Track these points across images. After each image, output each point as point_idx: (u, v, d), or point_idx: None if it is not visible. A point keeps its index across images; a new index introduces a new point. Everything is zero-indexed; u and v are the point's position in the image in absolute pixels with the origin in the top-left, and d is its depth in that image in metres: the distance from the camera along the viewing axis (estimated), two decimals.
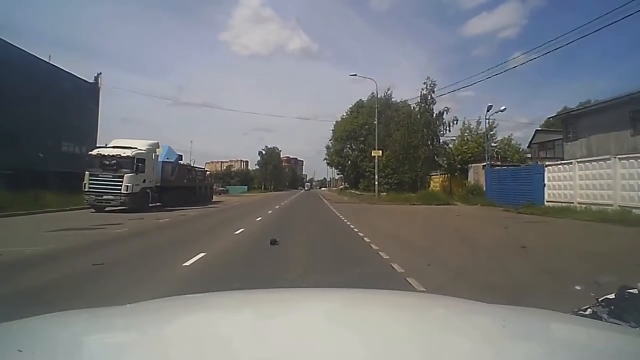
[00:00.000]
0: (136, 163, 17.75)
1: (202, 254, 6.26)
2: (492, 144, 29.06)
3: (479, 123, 30.79)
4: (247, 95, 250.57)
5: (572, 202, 15.73)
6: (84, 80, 29.36)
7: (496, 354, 0.86)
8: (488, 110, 24.82)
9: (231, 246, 7.60)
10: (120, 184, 17.18)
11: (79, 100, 27.38)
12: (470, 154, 29.19)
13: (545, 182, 17.76)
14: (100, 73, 30.69)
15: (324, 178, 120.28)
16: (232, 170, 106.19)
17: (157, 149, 20.02)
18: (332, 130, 47.13)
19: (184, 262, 5.70)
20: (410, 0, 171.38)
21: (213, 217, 15.15)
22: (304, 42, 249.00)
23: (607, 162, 14.09)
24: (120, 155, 17.70)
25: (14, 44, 22.55)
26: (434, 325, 1.11)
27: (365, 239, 8.44)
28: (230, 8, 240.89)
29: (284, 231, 9.85)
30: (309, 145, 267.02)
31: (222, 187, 67.86)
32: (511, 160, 26.86)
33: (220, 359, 0.79)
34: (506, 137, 32.08)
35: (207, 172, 31.53)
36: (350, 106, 45.80)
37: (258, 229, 10.48)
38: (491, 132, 29.30)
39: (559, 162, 17.53)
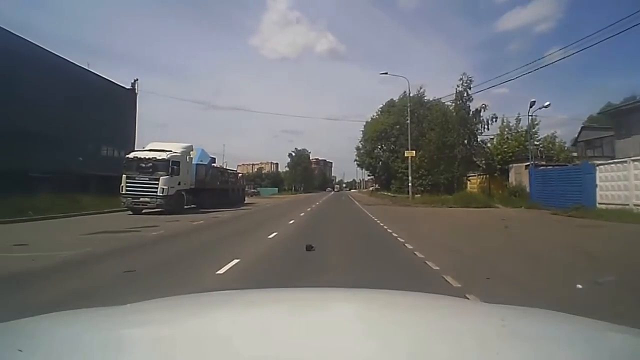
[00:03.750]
0: (171, 166, 17.98)
1: (236, 261, 5.96)
2: (535, 143, 27.31)
3: (518, 120, 29.10)
4: (276, 98, 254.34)
5: (628, 204, 14.31)
6: (122, 87, 30.51)
7: (497, 354, 0.85)
8: (531, 106, 23.27)
9: (266, 252, 7.27)
10: (157, 186, 17.43)
11: (118, 105, 28.52)
12: (510, 154, 27.57)
13: (597, 182, 16.34)
14: (137, 79, 31.75)
15: (353, 180, 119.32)
16: (263, 172, 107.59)
17: (191, 152, 20.26)
18: (362, 131, 46.43)
19: (218, 270, 5.41)
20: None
21: (246, 220, 15.03)
22: (331, 44, 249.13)
23: None
24: (156, 158, 17.99)
25: (55, 52, 23.65)
26: (434, 325, 1.10)
27: (406, 245, 7.86)
28: (259, 12, 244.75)
29: (318, 236, 9.43)
30: (338, 147, 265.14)
31: (253, 189, 68.87)
32: (556, 160, 25.06)
33: (222, 358, 0.78)
34: (549, 134, 30.04)
35: (239, 174, 31.78)
36: (381, 106, 44.96)
37: (292, 233, 10.13)
38: (533, 130, 27.58)
39: (611, 161, 16.04)
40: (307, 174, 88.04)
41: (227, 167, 31.50)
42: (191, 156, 20.17)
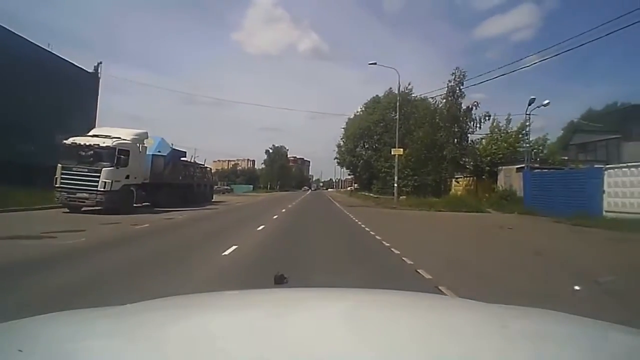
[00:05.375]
0: (117, 155, 14.92)
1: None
2: (525, 145, 25.84)
3: (508, 121, 27.57)
4: (257, 95, 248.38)
5: None
6: (83, 70, 27.12)
7: (497, 354, 0.85)
8: (530, 104, 21.62)
9: (210, 284, 4.67)
10: (97, 179, 14.37)
11: (77, 90, 25.22)
12: (500, 155, 25.97)
13: (605, 188, 14.67)
14: (101, 62, 28.41)
15: (331, 179, 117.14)
16: (238, 168, 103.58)
17: (145, 140, 17.22)
18: (344, 128, 44.05)
19: None
20: (423, 1, 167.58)
21: (205, 224, 12.21)
22: (315, 42, 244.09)
23: None
24: (99, 145, 14.89)
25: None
26: (434, 325, 1.08)
27: (405, 259, 5.94)
28: (243, 8, 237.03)
29: (294, 253, 6.94)
30: (317, 146, 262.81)
31: (226, 185, 65.49)
32: (551, 163, 23.57)
33: (220, 359, 0.79)
34: (541, 137, 28.67)
35: (208, 169, 28.68)
36: (366, 102, 42.61)
37: (258, 247, 7.55)
38: (523, 131, 26.10)
39: (623, 165, 14.38)
40: (284, 172, 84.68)
41: (196, 161, 28.55)
42: (145, 145, 17.12)
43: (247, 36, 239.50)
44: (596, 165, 18.34)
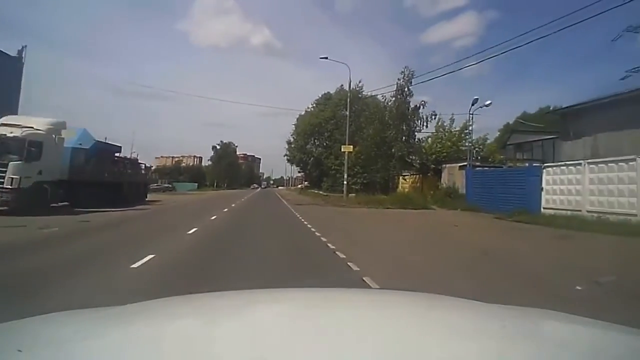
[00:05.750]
0: (28, 147, 12.89)
1: None
2: (467, 144, 26.85)
3: (452, 121, 28.54)
4: (204, 89, 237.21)
5: (580, 210, 13.20)
6: (5, 53, 23.68)
7: (497, 354, 0.85)
8: (473, 104, 22.28)
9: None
10: (3, 175, 12.32)
11: None
12: (444, 154, 26.70)
13: (543, 185, 15.26)
14: (25, 46, 25.12)
15: (282, 177, 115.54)
16: (182, 165, 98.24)
17: (62, 131, 14.98)
18: (295, 124, 43.04)
19: None
20: (374, 4, 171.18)
21: (126, 227, 10.57)
22: (266, 38, 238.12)
23: (630, 163, 11.57)
24: (5, 135, 12.73)
25: None
26: (434, 325, 1.08)
27: (350, 264, 4.99)
28: None
29: (222, 263, 5.90)
30: (268, 143, 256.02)
31: (168, 184, 61.68)
32: (492, 161, 24.60)
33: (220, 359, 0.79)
34: (481, 136, 30.06)
35: (143, 165, 26.21)
36: (317, 98, 41.89)
37: (180, 256, 6.38)
38: (466, 131, 27.10)
39: (561, 163, 15.02)
40: (232, 169, 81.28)
41: (129, 157, 26.03)
42: (63, 137, 14.90)
43: (194, 27, 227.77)
44: (535, 164, 19.24)
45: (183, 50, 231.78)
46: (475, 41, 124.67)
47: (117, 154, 21.76)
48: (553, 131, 20.76)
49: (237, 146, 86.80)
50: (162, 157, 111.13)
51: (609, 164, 12.39)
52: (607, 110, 14.76)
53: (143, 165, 26.00)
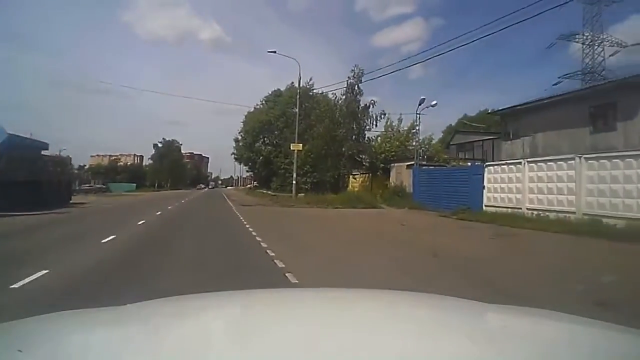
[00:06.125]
0: None
1: None
2: (414, 143, 27.39)
3: (400, 121, 28.96)
4: (149, 84, 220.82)
5: (520, 208, 13.64)
6: None
7: (497, 354, 0.84)
8: (420, 104, 22.58)
9: None
10: None
11: None
12: (393, 153, 26.98)
13: (485, 184, 15.65)
14: None
15: (231, 176, 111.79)
16: (119, 164, 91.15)
17: None
18: (243, 122, 41.23)
19: None
20: (326, 5, 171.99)
21: (25, 237, 8.79)
22: (216, 33, 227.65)
23: (569, 162, 12.05)
24: None
25: None
26: (434, 325, 1.08)
27: (288, 276, 4.37)
28: None
29: (136, 279, 4.82)
30: (218, 142, 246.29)
31: (102, 184, 56.89)
32: (437, 161, 25.22)
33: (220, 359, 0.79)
34: (427, 136, 30.85)
35: (68, 164, 23.41)
36: (267, 95, 40.38)
37: (85, 272, 5.18)
38: (413, 130, 27.62)
39: (502, 162, 15.50)
40: (176, 168, 76.35)
41: (60, 155, 23.17)
42: None
43: (139, 18, 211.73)
44: (477, 163, 19.87)
45: (126, 42, 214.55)
46: (421, 45, 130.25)
47: (44, 152, 19.63)
48: (494, 132, 21.76)
49: (181, 144, 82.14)
50: (98, 155, 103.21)
51: (548, 163, 12.84)
52: (545, 111, 15.50)
53: (68, 164, 23.17)
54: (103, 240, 7.65)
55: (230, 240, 8.55)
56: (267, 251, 6.67)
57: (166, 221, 12.81)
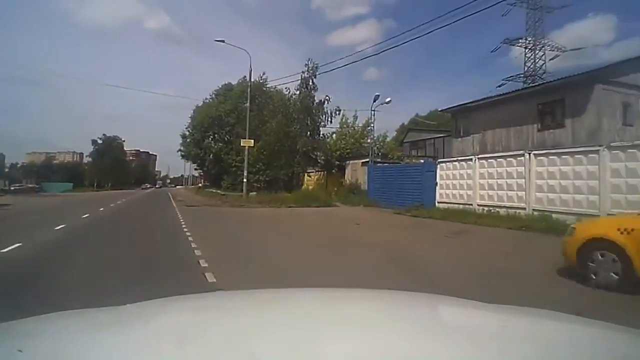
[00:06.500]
0: None
1: None
2: (369, 141, 27.25)
3: (355, 118, 28.69)
4: (89, 76, 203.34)
5: (471, 204, 13.68)
6: None
7: (497, 354, 0.84)
8: (374, 100, 22.31)
9: None
10: None
11: None
12: (348, 150, 26.62)
13: (437, 181, 15.62)
14: None
15: (182, 175, 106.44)
16: (54, 162, 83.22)
17: None
18: (191, 116, 38.73)
19: None
20: (281, 1, 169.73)
21: None
22: (164, 23, 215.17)
23: (519, 158, 12.16)
24: None
25: None
26: (434, 325, 1.10)
27: None
28: None
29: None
30: (167, 139, 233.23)
31: (35, 184, 51.65)
32: (392, 158, 25.19)
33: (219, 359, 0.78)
34: (381, 134, 30.88)
35: None
36: (217, 88, 38.11)
37: None
38: (368, 128, 27.45)
39: (454, 159, 15.52)
40: (119, 166, 70.58)
41: None
42: None
43: (78, 5, 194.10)
44: (429, 160, 19.95)
45: (64, 31, 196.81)
46: (375, 43, 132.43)
47: None
48: (445, 130, 22.09)
49: (124, 140, 76.29)
50: (34, 152, 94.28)
51: (498, 159, 12.90)
52: (494, 109, 15.72)
53: None
54: (3, 250, 6.16)
55: (158, 250, 7.26)
56: (200, 261, 5.66)
57: (95, 224, 11.17)
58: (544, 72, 36.56)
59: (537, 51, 38.56)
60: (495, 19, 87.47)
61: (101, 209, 17.12)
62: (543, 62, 38.45)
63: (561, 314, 1.22)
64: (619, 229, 4.41)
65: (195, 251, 6.51)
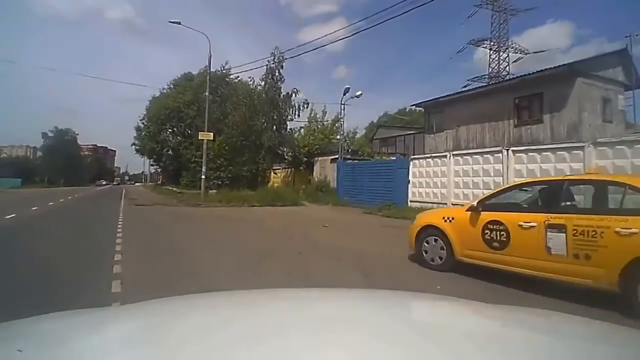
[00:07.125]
0: None
1: None
2: (338, 137, 26.19)
3: (324, 113, 27.54)
4: (45, 65, 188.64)
5: (445, 203, 12.92)
6: None
7: (497, 354, 0.84)
8: (345, 94, 21.20)
9: None
10: None
11: None
12: (317, 146, 25.42)
13: (410, 178, 14.79)
14: None
15: (143, 171, 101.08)
16: (2, 156, 76.36)
17: None
18: (147, 108, 35.85)
19: None
20: None
21: None
22: (127, 14, 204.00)
23: (496, 155, 11.45)
24: None
25: None
26: (434, 325, 1.08)
27: None
28: None
29: None
30: (124, 133, 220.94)
31: None
32: (362, 155, 24.24)
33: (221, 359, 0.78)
34: (351, 130, 29.96)
35: None
36: (175, 78, 35.51)
37: None
38: (337, 123, 26.39)
39: (428, 155, 14.70)
40: (73, 162, 65.30)
41: None
42: None
43: None
44: (401, 156, 19.13)
45: (22, 19, 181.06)
46: (346, 43, 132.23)
47: None
48: (416, 127, 21.43)
49: (77, 134, 70.98)
50: None
51: (474, 156, 12.19)
52: (469, 103, 15.03)
53: None
54: None
55: (66, 258, 5.70)
56: (114, 266, 4.21)
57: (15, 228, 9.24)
58: (507, 74, 37.23)
59: (501, 53, 39.24)
60: (462, 20, 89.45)
61: (34, 208, 14.88)
62: (507, 63, 39.18)
63: (561, 314, 1.21)
64: (443, 218, 5.16)
65: (115, 255, 5.14)
